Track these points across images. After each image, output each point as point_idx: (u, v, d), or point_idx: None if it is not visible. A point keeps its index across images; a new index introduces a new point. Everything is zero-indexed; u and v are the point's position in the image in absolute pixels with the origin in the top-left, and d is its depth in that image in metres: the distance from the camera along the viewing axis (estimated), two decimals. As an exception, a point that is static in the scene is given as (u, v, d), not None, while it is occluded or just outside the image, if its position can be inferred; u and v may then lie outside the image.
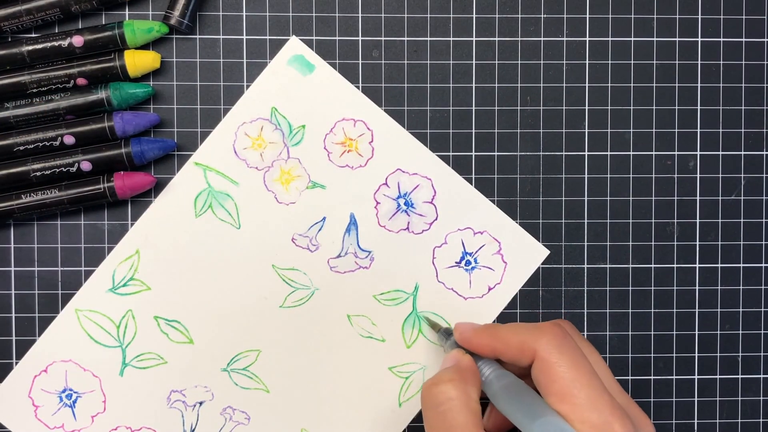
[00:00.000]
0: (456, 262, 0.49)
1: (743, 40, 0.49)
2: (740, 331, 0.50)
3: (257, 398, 0.48)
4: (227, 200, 0.48)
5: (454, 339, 0.45)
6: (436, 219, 0.49)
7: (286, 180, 0.48)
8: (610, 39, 0.49)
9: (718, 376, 0.50)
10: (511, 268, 0.49)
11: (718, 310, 0.50)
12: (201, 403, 0.48)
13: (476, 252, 0.49)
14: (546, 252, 0.49)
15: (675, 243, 0.49)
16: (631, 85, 0.49)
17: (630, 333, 0.49)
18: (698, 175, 0.49)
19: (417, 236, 0.49)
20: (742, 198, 0.49)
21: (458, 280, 0.49)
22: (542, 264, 0.49)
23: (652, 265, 0.49)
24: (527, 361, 0.40)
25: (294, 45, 0.48)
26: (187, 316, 0.48)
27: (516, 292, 0.49)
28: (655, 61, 0.49)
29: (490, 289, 0.49)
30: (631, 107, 0.49)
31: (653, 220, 0.49)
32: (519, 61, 0.49)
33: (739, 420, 0.50)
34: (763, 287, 0.50)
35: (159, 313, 0.48)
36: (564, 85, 0.49)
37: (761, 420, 0.50)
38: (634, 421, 0.39)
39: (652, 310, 0.49)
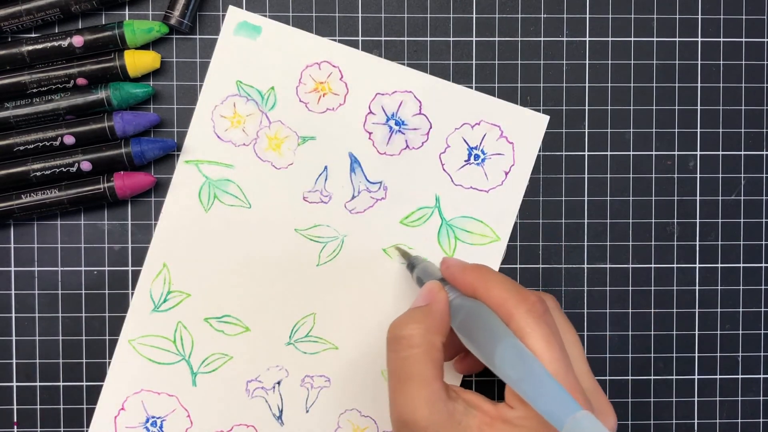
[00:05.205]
0: (465, 161, 0.48)
1: (743, 40, 0.49)
2: (740, 331, 0.50)
3: (329, 358, 0.48)
4: (229, 185, 0.48)
5: (419, 269, 0.45)
6: (431, 128, 0.48)
7: (276, 145, 0.48)
8: (610, 39, 0.49)
9: (718, 376, 0.50)
10: (519, 145, 0.48)
11: (718, 310, 0.50)
12: (279, 383, 0.48)
13: (481, 144, 0.48)
14: (546, 118, 0.48)
15: (675, 243, 0.49)
16: (631, 85, 0.49)
17: (630, 333, 0.49)
18: (698, 175, 0.49)
19: (419, 150, 0.48)
20: (742, 198, 0.49)
21: (474, 177, 0.48)
22: (542, 264, 0.49)
23: (652, 265, 0.49)
24: (500, 317, 0.39)
25: (235, 14, 0.47)
26: (234, 307, 0.48)
27: (532, 166, 0.48)
28: (655, 61, 0.49)
29: (506, 173, 0.48)
30: (631, 107, 0.49)
31: (653, 220, 0.49)
32: (519, 61, 0.49)
33: (739, 420, 0.50)
34: (763, 287, 0.50)
35: (207, 314, 0.48)
36: (564, 85, 0.49)
37: (761, 420, 0.50)
38: (594, 407, 0.39)
39: (652, 310, 0.49)
